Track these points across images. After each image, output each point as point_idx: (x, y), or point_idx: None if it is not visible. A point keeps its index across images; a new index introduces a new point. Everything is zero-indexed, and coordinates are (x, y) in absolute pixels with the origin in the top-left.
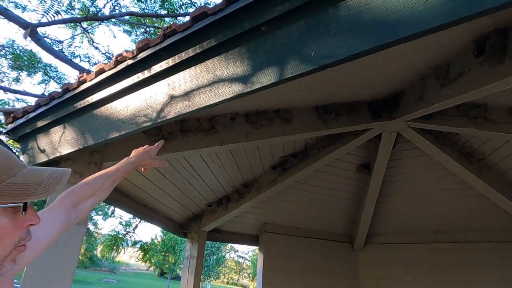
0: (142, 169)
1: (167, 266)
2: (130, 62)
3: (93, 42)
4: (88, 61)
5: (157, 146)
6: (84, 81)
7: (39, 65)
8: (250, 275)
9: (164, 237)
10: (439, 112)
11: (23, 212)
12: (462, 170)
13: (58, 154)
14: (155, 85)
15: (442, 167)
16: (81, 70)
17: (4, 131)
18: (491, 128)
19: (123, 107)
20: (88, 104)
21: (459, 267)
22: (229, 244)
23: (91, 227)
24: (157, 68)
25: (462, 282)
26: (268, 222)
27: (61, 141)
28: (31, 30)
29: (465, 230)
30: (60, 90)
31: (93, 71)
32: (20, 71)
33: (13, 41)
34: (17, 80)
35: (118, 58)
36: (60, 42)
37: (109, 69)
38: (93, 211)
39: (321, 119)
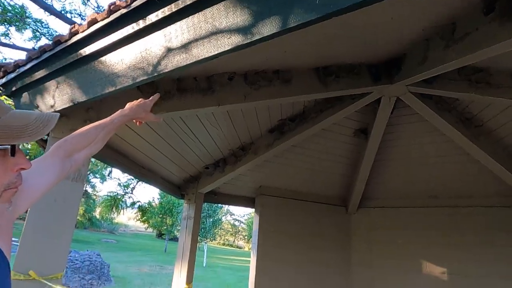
0: (137, 123)
1: (165, 227)
2: (124, 11)
3: None
4: (80, 15)
5: (152, 99)
6: (76, 32)
7: (28, 19)
8: (245, 237)
9: (162, 200)
10: (441, 76)
11: (12, 156)
12: (459, 136)
13: (52, 110)
14: (151, 37)
15: (439, 133)
16: (72, 23)
17: None
18: (493, 93)
19: (118, 60)
20: (81, 57)
21: (450, 230)
22: (226, 208)
23: (89, 190)
24: (152, 17)
25: (453, 244)
26: (264, 185)
27: (55, 96)
28: None
29: (458, 196)
30: (51, 42)
31: (85, 23)
32: (8, 25)
33: None
34: (6, 35)
35: (111, 7)
36: None
37: (102, 19)
38: (91, 173)
39: (321, 81)
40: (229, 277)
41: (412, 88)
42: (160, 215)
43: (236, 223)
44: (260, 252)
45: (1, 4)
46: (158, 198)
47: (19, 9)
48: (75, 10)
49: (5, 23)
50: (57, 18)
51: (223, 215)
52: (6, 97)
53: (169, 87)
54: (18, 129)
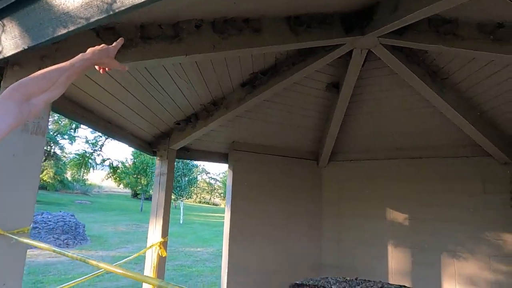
0: (101, 70)
1: (140, 187)
2: None
3: None
4: None
5: (115, 45)
6: None
7: None
8: (222, 194)
9: (135, 160)
10: (411, 28)
11: None
12: (426, 88)
13: (1, 57)
14: None
15: (407, 86)
16: None
17: None
18: (459, 45)
19: None
20: None
21: (413, 180)
22: (201, 166)
23: (58, 151)
24: None
25: (415, 193)
26: (237, 141)
27: (2, 40)
28: None
29: (423, 147)
30: None
31: None
32: None
33: None
34: None
35: None
36: None
37: None
38: (58, 134)
39: (293, 31)
40: (205, 233)
41: (383, 40)
42: (135, 175)
43: (212, 181)
44: (234, 206)
45: None
46: (132, 159)
47: None
48: None
49: None
50: None
51: (199, 174)
52: None
53: (131, 35)
54: None
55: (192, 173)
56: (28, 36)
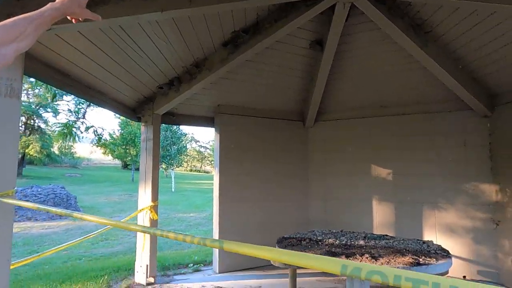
0: (73, 20)
1: (129, 158)
2: None
3: None
4: None
5: None
6: None
7: None
8: (212, 162)
9: (123, 131)
10: None
11: None
12: (410, 43)
13: None
14: None
15: (391, 42)
16: None
17: None
18: None
19: None
20: None
21: (396, 136)
22: (190, 135)
23: (42, 125)
24: None
25: (398, 149)
26: (222, 104)
27: None
28: None
29: (405, 104)
30: None
31: None
32: None
33: None
34: None
35: None
36: None
37: None
38: (41, 107)
39: None
40: (197, 199)
41: None
42: (123, 146)
43: (202, 149)
44: (222, 168)
45: None
46: (119, 130)
47: None
48: None
49: None
50: None
51: (188, 142)
52: None
53: None
54: None
55: (181, 141)
56: None
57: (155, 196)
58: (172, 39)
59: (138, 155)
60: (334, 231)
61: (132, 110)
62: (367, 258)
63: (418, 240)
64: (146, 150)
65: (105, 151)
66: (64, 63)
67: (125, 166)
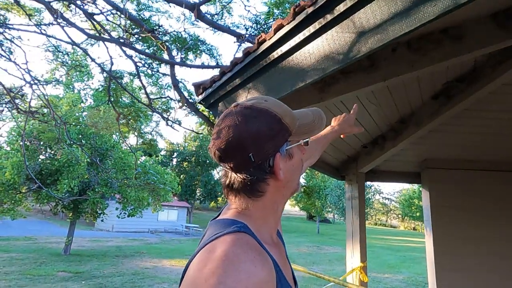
0: (342, 136)
1: (314, 210)
2: (310, 10)
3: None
4: (245, 27)
5: (353, 112)
6: (264, 41)
7: (202, 46)
8: (399, 216)
9: (308, 184)
10: None
11: (307, 145)
12: None
13: None
14: (339, 26)
15: None
16: (238, 35)
17: (198, 101)
18: None
19: (305, 56)
20: (269, 62)
21: None
22: (373, 187)
23: None
24: (341, 7)
25: None
26: (430, 158)
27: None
28: (196, 9)
29: None
30: (242, 55)
31: (270, 30)
32: (187, 52)
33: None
34: (185, 59)
35: (296, 9)
36: (215, 14)
37: (288, 23)
38: None
39: (501, 27)
40: (389, 257)
41: None
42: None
43: (387, 201)
44: (437, 230)
45: (179, 37)
46: (304, 182)
47: (195, 39)
48: (233, 23)
49: (184, 50)
50: (225, 33)
51: (372, 194)
52: (205, 109)
53: (333, 73)
54: (311, 125)
55: (366, 194)
56: (268, 95)
57: (363, 257)
58: (382, 102)
59: (324, 207)
60: None
61: (335, 169)
62: None
63: None
64: (352, 208)
65: (293, 203)
66: None
67: (310, 217)
